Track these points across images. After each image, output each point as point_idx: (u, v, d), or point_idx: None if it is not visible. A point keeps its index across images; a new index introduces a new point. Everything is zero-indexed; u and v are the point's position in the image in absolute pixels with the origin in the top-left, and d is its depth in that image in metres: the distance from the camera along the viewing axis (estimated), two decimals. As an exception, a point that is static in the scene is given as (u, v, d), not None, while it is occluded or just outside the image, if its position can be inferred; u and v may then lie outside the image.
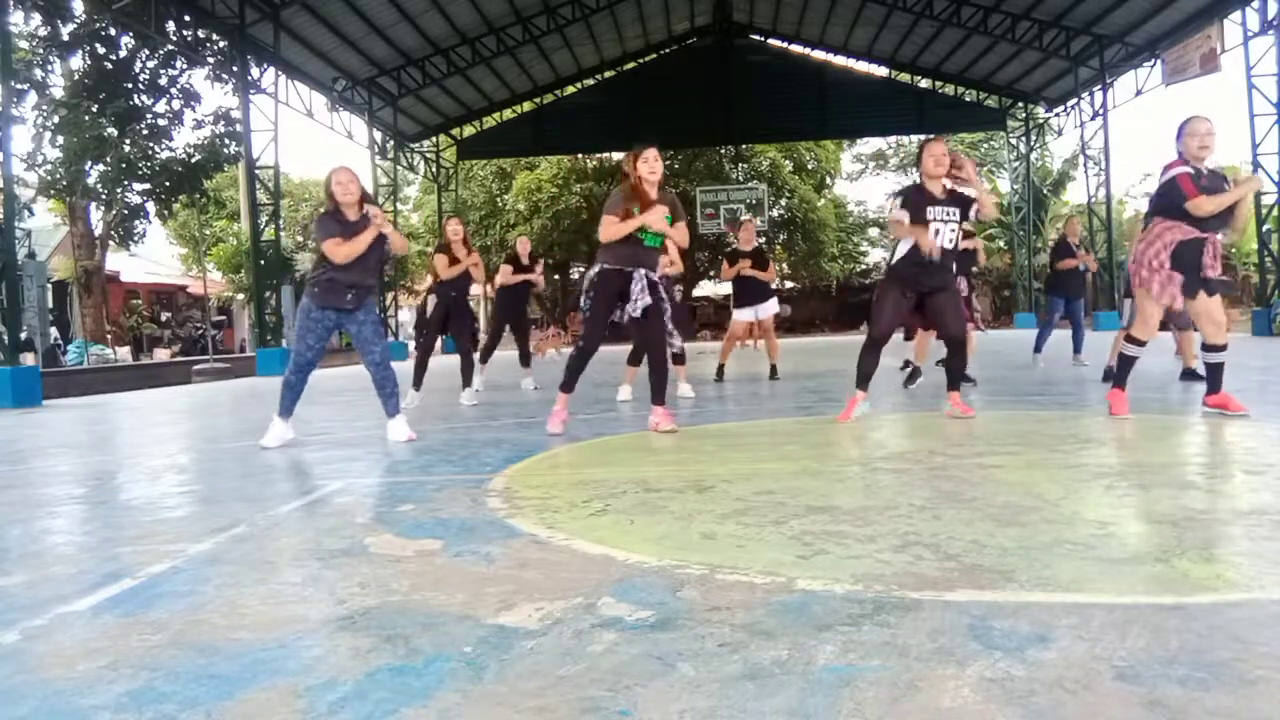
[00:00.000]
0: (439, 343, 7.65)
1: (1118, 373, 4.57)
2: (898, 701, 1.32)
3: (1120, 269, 19.68)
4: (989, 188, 33.47)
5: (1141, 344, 4.48)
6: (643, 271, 4.57)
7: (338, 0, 16.09)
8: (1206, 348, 4.39)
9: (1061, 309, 8.53)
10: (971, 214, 4.73)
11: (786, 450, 3.96)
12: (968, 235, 7.03)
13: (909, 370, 7.07)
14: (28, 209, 21.93)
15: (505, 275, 8.27)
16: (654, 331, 4.69)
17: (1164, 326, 6.55)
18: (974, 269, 6.93)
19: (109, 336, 23.11)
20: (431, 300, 7.00)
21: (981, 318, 7.16)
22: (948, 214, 4.62)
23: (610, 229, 4.51)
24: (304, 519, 2.87)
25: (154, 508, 3.20)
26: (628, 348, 6.85)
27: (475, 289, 7.63)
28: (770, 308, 8.12)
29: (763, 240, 28.95)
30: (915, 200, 4.65)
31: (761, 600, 1.81)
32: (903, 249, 4.73)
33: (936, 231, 4.60)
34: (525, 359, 8.67)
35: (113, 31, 19.84)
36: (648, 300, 4.53)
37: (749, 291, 8.08)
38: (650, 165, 4.55)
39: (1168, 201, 4.35)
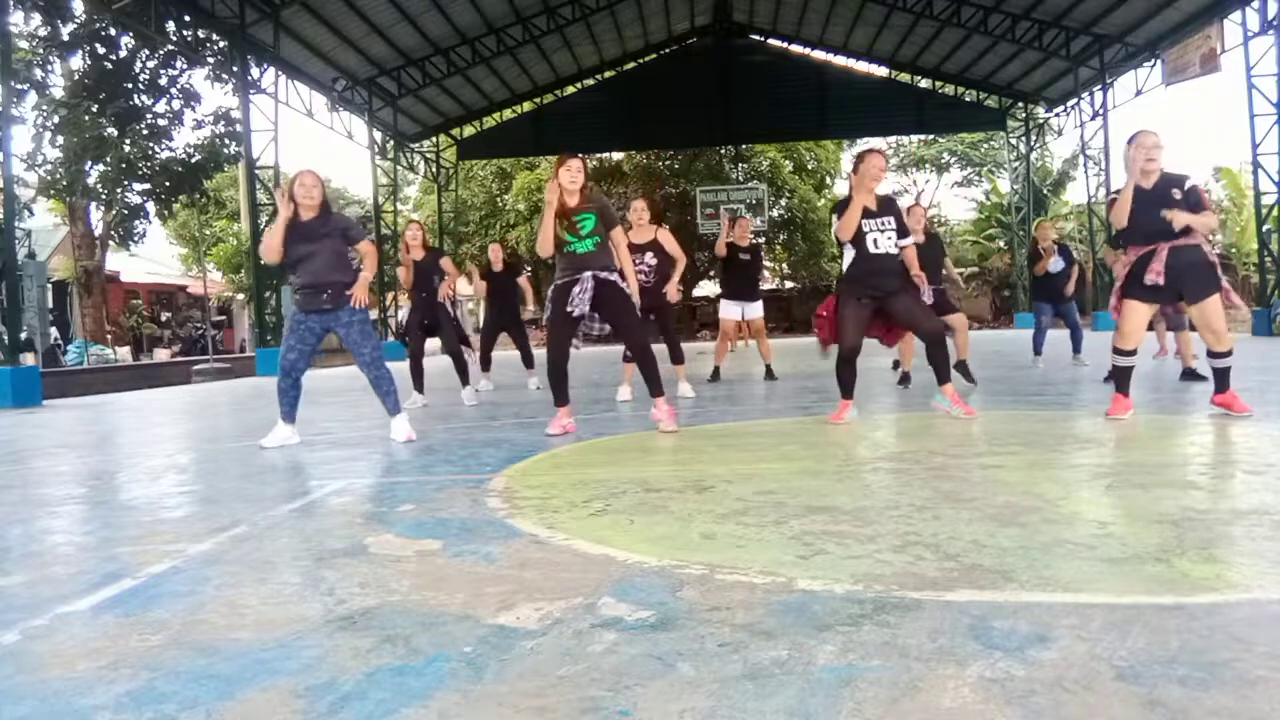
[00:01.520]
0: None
1: (1116, 382, 4.58)
2: (898, 701, 1.32)
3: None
4: (989, 187, 33.27)
5: (1129, 353, 4.51)
6: (588, 273, 4.61)
7: (338, 0, 16.08)
8: (1210, 355, 4.40)
9: (1049, 312, 8.54)
10: (905, 219, 4.83)
11: (786, 450, 3.96)
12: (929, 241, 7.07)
13: (900, 373, 7.09)
14: (28, 209, 21.96)
15: (476, 284, 8.44)
16: (624, 327, 4.74)
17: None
18: (943, 259, 7.05)
19: (109, 336, 23.13)
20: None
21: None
22: (883, 224, 4.70)
23: (538, 242, 4.79)
24: (304, 519, 2.87)
25: (154, 508, 3.20)
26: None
27: (472, 289, 7.62)
28: (758, 309, 8.15)
29: (761, 240, 29.00)
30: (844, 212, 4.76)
31: (761, 600, 1.81)
32: (849, 256, 4.79)
33: (874, 241, 4.67)
34: (527, 359, 8.68)
35: (113, 31, 19.87)
36: (585, 305, 4.57)
37: (739, 288, 8.10)
38: (571, 174, 4.67)
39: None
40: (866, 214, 4.68)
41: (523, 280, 8.45)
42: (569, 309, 4.58)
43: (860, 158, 4.76)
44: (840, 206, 4.82)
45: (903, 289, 4.76)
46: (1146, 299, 4.42)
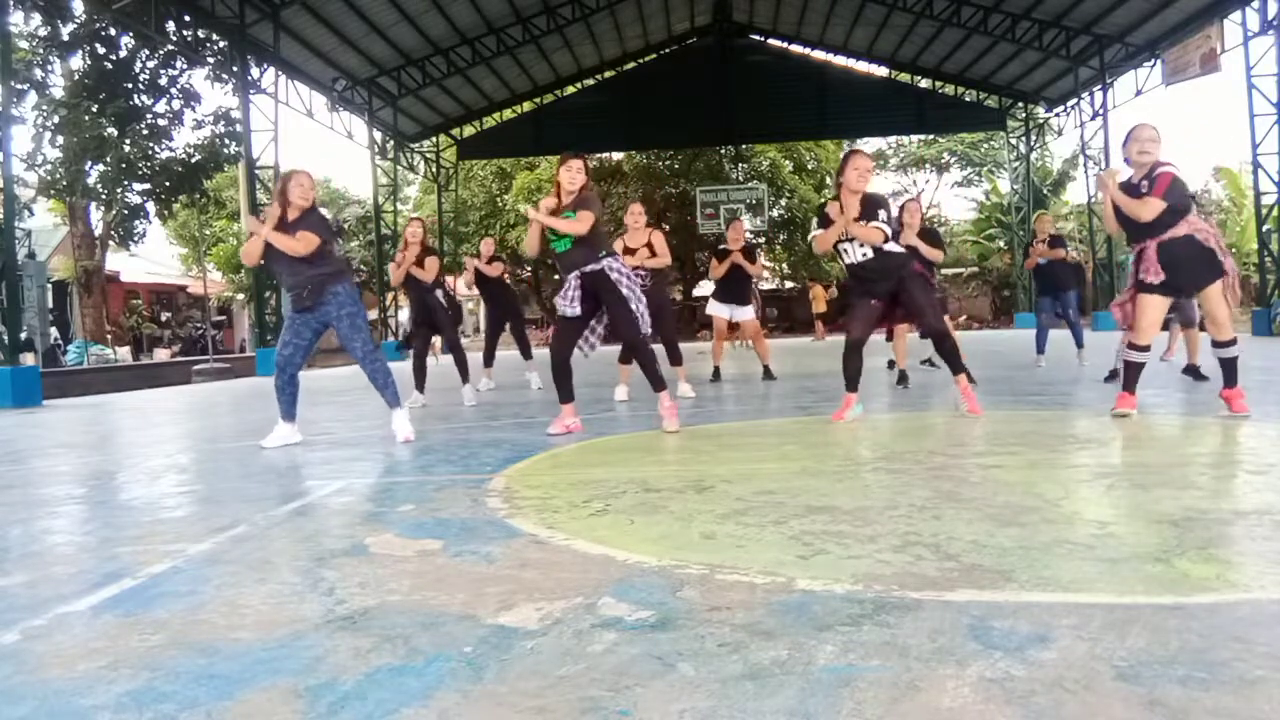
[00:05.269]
0: (436, 342, 7.69)
1: (1125, 378, 4.55)
2: (898, 701, 1.32)
3: (1120, 269, 19.68)
4: (989, 187, 33.18)
5: (1144, 349, 4.49)
6: (573, 274, 4.64)
7: (338, 0, 16.08)
8: (1214, 345, 4.41)
9: (1050, 309, 8.56)
10: (881, 216, 4.63)
11: (786, 450, 3.96)
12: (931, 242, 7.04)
13: (896, 373, 7.10)
14: (28, 209, 21.96)
15: (468, 279, 8.45)
16: (615, 317, 4.69)
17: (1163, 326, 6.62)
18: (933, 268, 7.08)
19: (109, 336, 23.13)
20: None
21: (951, 315, 7.27)
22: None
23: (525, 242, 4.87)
24: (304, 518, 2.87)
25: (154, 508, 3.20)
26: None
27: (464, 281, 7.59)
28: (746, 313, 8.13)
29: (761, 240, 28.99)
30: (827, 221, 4.75)
31: (761, 600, 1.81)
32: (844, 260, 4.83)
33: (845, 251, 4.69)
34: (525, 352, 8.70)
35: (113, 31, 19.86)
36: (575, 304, 4.59)
37: (728, 290, 8.12)
38: (572, 174, 4.66)
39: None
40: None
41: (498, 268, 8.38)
42: (561, 312, 4.62)
43: (844, 161, 4.76)
44: (822, 216, 4.82)
45: (903, 285, 4.75)
46: (1159, 291, 4.40)
